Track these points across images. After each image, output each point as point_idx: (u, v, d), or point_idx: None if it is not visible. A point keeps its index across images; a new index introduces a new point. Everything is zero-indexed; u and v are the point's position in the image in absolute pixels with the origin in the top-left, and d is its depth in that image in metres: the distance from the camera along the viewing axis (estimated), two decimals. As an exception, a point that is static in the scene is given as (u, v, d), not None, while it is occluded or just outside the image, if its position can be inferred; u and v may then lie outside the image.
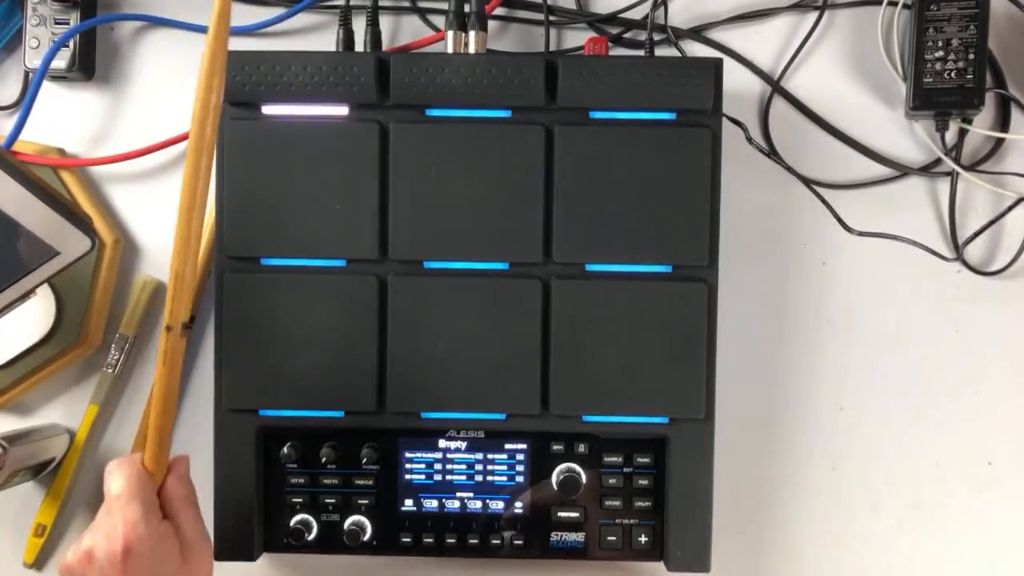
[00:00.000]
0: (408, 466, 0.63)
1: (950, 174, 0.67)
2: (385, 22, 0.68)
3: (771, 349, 0.68)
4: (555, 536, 0.63)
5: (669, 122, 0.60)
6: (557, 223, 0.60)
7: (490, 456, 0.63)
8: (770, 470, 0.68)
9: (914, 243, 0.68)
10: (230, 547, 0.61)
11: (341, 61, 0.60)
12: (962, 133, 0.67)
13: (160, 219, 0.69)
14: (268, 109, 0.61)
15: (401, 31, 0.69)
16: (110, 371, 0.68)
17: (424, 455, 0.63)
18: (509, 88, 0.59)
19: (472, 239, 0.60)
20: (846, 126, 0.68)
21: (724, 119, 0.61)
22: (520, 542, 0.63)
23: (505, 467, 0.63)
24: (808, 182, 0.68)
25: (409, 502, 0.63)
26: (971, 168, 0.67)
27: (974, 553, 0.68)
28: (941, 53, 0.64)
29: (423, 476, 0.63)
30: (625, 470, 0.63)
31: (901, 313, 0.68)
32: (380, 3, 0.66)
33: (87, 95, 0.69)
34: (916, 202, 0.68)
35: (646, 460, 0.63)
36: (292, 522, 0.62)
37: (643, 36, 0.68)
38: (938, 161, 0.68)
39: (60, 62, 0.66)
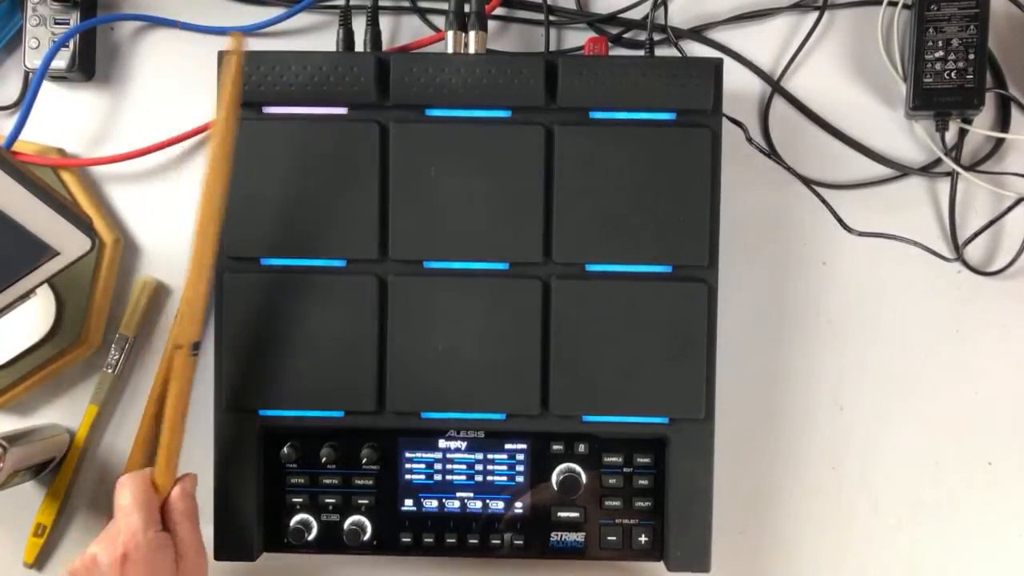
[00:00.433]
0: (408, 466, 0.63)
1: (950, 174, 0.67)
2: (385, 22, 0.68)
3: (771, 349, 0.68)
4: (555, 536, 0.63)
5: (669, 122, 0.60)
6: (557, 223, 0.60)
7: (490, 456, 0.63)
8: (770, 470, 0.68)
9: (914, 243, 0.68)
10: (230, 547, 0.61)
11: (341, 61, 0.60)
12: (962, 133, 0.67)
13: (160, 219, 0.69)
14: (268, 109, 0.61)
15: (401, 31, 0.69)
16: (110, 371, 0.68)
17: (424, 455, 0.63)
18: (509, 88, 0.59)
19: (472, 239, 0.60)
20: (846, 126, 0.68)
21: (724, 119, 0.61)
22: (520, 542, 0.63)
23: (505, 467, 0.63)
24: (808, 182, 0.68)
25: (409, 502, 0.63)
26: (971, 168, 0.67)
27: (974, 553, 0.68)
28: (941, 53, 0.64)
29: (423, 476, 0.63)
30: (625, 470, 0.63)
31: (901, 313, 0.68)
32: (380, 3, 0.66)
33: (87, 95, 0.69)
34: (916, 202, 0.68)
35: (646, 460, 0.63)
36: (292, 522, 0.62)
37: (643, 36, 0.68)
38: (938, 161, 0.68)
39: (60, 62, 0.66)
